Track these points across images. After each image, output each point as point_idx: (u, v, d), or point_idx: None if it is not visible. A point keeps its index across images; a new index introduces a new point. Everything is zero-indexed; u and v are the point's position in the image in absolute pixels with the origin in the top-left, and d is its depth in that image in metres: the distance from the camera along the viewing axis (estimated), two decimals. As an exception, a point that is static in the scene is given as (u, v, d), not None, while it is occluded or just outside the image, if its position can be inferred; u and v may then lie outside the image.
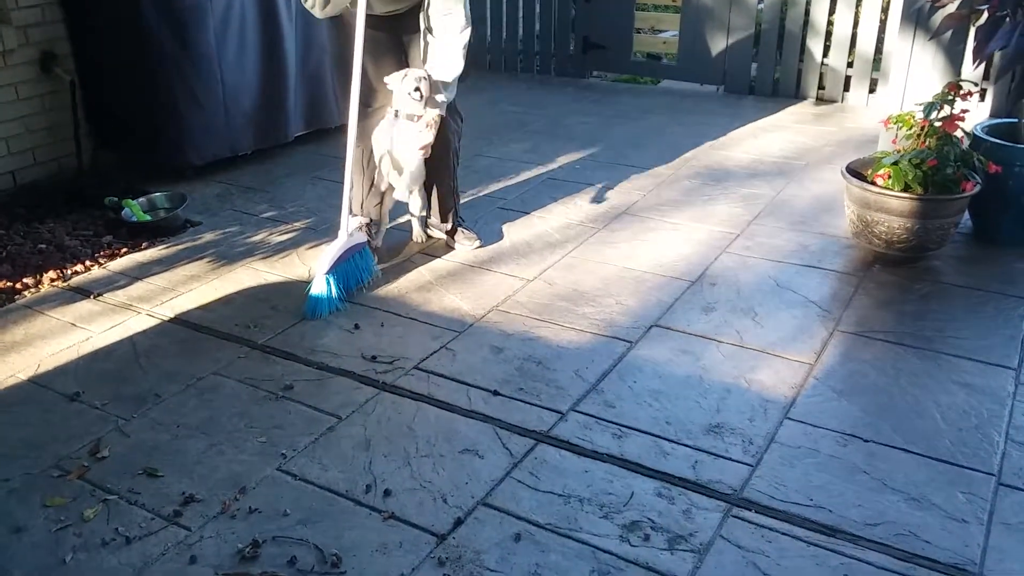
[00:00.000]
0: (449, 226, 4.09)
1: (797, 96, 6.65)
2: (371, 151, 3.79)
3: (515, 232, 4.29)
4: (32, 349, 3.25)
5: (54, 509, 2.45)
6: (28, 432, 2.78)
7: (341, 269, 3.58)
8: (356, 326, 3.43)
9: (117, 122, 4.94)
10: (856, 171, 3.92)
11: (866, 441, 2.72)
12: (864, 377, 3.06)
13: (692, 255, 4.00)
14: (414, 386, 3.04)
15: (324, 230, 4.29)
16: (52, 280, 3.74)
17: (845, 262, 3.92)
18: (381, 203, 3.96)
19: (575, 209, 4.56)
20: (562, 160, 5.35)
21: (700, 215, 4.45)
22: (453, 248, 4.09)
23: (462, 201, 4.30)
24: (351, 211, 3.79)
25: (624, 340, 3.31)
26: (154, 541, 2.34)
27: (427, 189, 4.01)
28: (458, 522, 2.41)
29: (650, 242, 4.15)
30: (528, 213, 4.52)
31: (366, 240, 3.74)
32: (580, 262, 3.95)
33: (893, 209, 3.69)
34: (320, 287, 3.50)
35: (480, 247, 4.08)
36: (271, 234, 4.28)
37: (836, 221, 4.31)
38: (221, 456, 2.67)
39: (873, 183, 3.78)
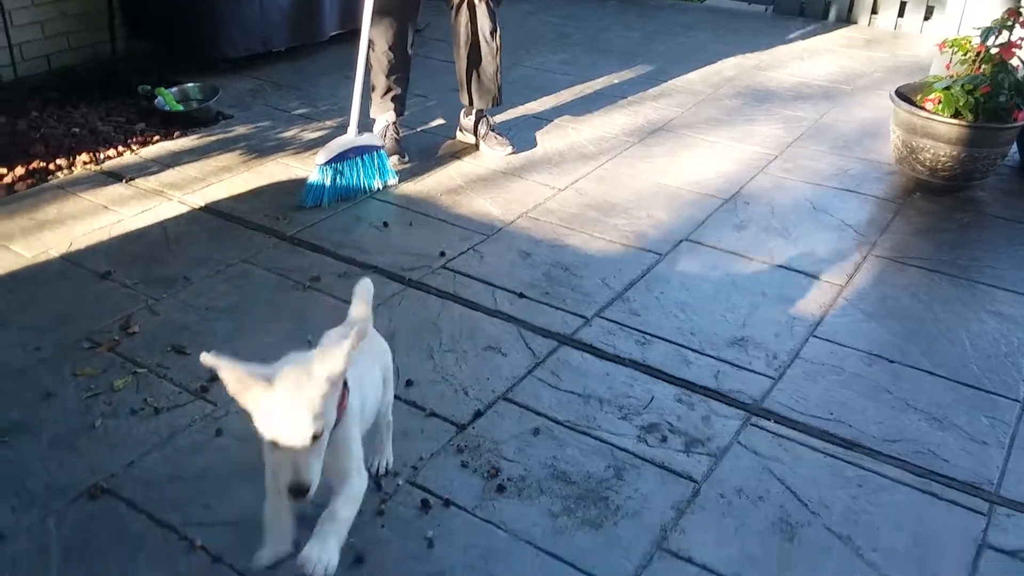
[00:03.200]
0: (483, 131, 4.03)
1: (848, 20, 6.43)
2: (388, 51, 3.73)
3: (548, 142, 4.23)
4: (65, 228, 3.28)
5: (84, 378, 2.50)
6: (60, 306, 2.83)
7: (344, 166, 3.56)
8: (384, 224, 3.42)
9: (151, 11, 4.88)
10: (905, 95, 3.80)
11: (892, 362, 2.70)
12: (896, 301, 3.02)
13: (728, 173, 3.92)
14: (440, 284, 3.04)
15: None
16: (85, 163, 3.76)
17: (886, 188, 3.84)
18: (395, 104, 3.90)
19: (611, 122, 4.48)
20: (600, 73, 5.23)
21: (739, 135, 4.36)
22: (484, 153, 4.04)
23: (496, 117, 4.22)
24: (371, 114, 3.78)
25: (653, 252, 3.28)
26: (181, 413, 2.39)
27: (467, 75, 3.93)
28: (478, 414, 2.43)
29: (686, 159, 4.07)
30: (563, 124, 4.45)
31: (381, 145, 3.70)
32: (613, 174, 3.90)
33: (940, 135, 3.58)
34: (315, 176, 3.50)
35: (512, 153, 4.03)
36: (302, 131, 4.25)
37: (880, 147, 4.20)
38: (248, 340, 2.70)
39: (922, 108, 3.67)
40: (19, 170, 3.61)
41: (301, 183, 3.57)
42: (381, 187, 3.68)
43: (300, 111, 4.50)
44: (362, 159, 3.61)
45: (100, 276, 2.99)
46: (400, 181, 3.74)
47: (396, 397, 2.47)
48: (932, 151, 3.64)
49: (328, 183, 3.51)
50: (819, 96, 4.93)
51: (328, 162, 3.50)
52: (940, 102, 3.60)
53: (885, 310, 2.97)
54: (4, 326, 2.71)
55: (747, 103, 4.81)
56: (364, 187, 3.64)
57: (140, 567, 1.93)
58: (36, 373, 2.51)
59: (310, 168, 3.63)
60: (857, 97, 4.92)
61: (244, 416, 2.09)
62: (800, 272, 3.16)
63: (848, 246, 3.35)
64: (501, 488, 2.18)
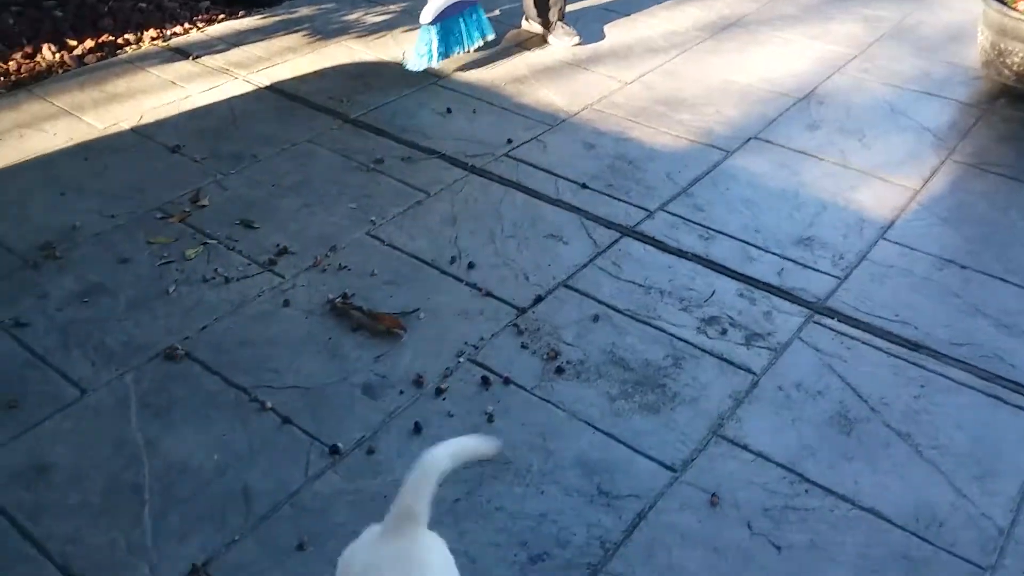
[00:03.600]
0: (553, 17, 3.93)
1: (940, -84, 6.02)
2: None
3: (616, 34, 4.10)
4: (134, 101, 3.32)
5: (158, 246, 2.57)
6: (132, 177, 2.88)
7: (450, 23, 3.55)
8: (448, 110, 3.39)
9: None
10: (998, -7, 3.58)
11: (964, 267, 2.64)
12: (972, 207, 2.93)
13: (802, 72, 3.78)
14: (503, 172, 3.02)
15: (419, 13, 4.16)
16: (152, 38, 3.76)
17: (969, 93, 3.67)
18: None
19: (682, 16, 4.32)
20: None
21: (816, 32, 4.17)
22: (550, 44, 3.95)
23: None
24: None
25: (720, 149, 3.20)
26: (250, 284, 2.45)
27: None
28: (538, 299, 2.45)
29: (759, 55, 3.92)
30: (632, 16, 4.30)
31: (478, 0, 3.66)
32: (682, 69, 3.78)
33: (1033, 36, 3.39)
34: (422, 37, 3.51)
35: (579, 44, 3.92)
36: (366, 14, 4.19)
37: (965, 51, 3.99)
38: (313, 216, 2.74)
39: (1014, 8, 3.46)
40: (88, 43, 3.64)
41: (410, 45, 3.58)
42: (483, 42, 3.69)
43: (364, -6, 4.42)
44: (464, 15, 3.60)
45: (170, 150, 3.03)
46: (464, 69, 3.69)
47: (457, 278, 2.51)
48: (1021, 55, 3.45)
49: (436, 41, 3.52)
50: (904, -5, 4.67)
51: (434, 21, 3.49)
52: (1036, 1, 3.39)
53: (960, 216, 2.88)
54: (81, 193, 2.78)
55: (826, 1, 4.58)
56: (468, 43, 3.65)
57: (214, 423, 2.01)
58: (112, 239, 2.59)
59: (375, 52, 3.59)
60: (944, -3, 4.65)
61: (310, 288, 2.15)
62: (873, 175, 3.07)
63: (926, 150, 3.23)
64: (560, 370, 2.21)
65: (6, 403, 2.02)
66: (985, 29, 3.60)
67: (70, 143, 3.04)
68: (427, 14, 3.48)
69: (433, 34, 3.51)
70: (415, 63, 3.56)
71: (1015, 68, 3.51)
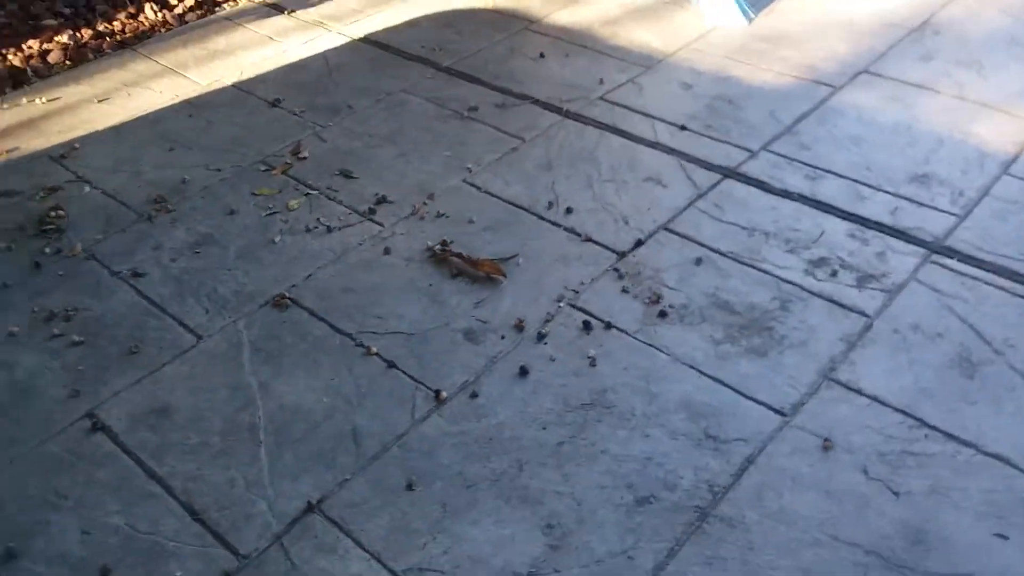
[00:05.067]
0: None
1: None
2: None
3: (713, -31, 3.94)
4: (234, 58, 3.38)
5: (262, 197, 2.63)
6: (235, 131, 2.95)
7: None
8: (541, 55, 3.33)
9: None
10: None
11: (1097, 203, 2.46)
12: (1105, 138, 2.72)
13: (914, 1, 3.56)
14: (598, 115, 2.96)
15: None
16: (249, -5, 3.83)
17: (1101, 15, 3.39)
18: None
19: (783, -53, 4.11)
20: None
21: (929, -43, 3.91)
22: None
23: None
24: None
25: (827, 85, 3.06)
26: (352, 232, 2.48)
27: None
28: (638, 243, 2.41)
29: (867, -16, 3.71)
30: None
31: None
32: (783, 4, 3.61)
33: None
34: None
35: (675, -19, 3.79)
36: (456, -39, 4.13)
37: (1097, -31, 3.68)
38: (410, 165, 2.75)
39: None
40: (189, 1, 3.72)
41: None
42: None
43: (452, -59, 4.36)
44: None
45: (270, 104, 3.09)
46: (556, 12, 3.61)
47: (555, 224, 2.49)
48: None
49: None
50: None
51: None
52: None
53: (1092, 148, 2.68)
54: (188, 147, 2.87)
55: (940, -77, 4.28)
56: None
57: (322, 367, 2.06)
58: (219, 191, 2.66)
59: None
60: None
61: (410, 236, 2.16)
62: (993, 107, 2.88)
63: (1052, 79, 3.01)
64: (663, 314, 2.18)
65: (127, 349, 2.12)
66: (1122, -56, 3.30)
67: (175, 100, 3.13)
68: None
69: None
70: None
71: None
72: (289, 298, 2.25)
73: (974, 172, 2.60)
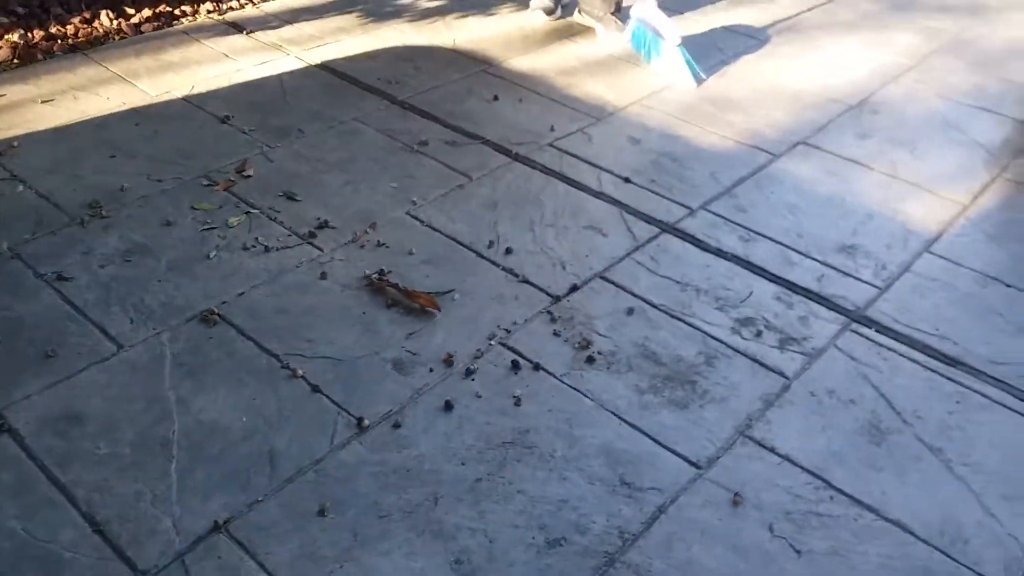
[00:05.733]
0: (601, 13, 3.91)
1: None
2: None
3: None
4: (187, 71, 3.37)
5: (202, 212, 2.61)
6: (181, 143, 2.93)
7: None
8: (495, 97, 3.39)
9: None
10: (1065, 10, 3.49)
11: (1008, 286, 2.58)
12: (1021, 226, 2.86)
13: (856, 80, 3.73)
14: (546, 161, 3.02)
15: (473, 2, 4.18)
16: (208, 11, 3.82)
17: (1026, 111, 3.59)
18: None
19: (736, 17, 4.28)
20: (731, -33, 4.97)
21: (873, 41, 4.11)
22: (600, 36, 3.93)
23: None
24: None
25: (767, 152, 3.17)
26: (290, 254, 2.47)
27: None
28: (574, 288, 2.45)
29: (813, 61, 3.87)
30: (686, 15, 4.27)
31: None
32: (734, 70, 3.75)
33: (1098, 56, 3.30)
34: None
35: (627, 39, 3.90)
36: (421, -1, 4.21)
37: (1025, 68, 3.91)
38: (356, 193, 2.76)
39: (1082, 25, 3.37)
40: (146, 12, 3.71)
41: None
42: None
43: (419, -21, 4.43)
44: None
45: (219, 120, 3.08)
46: (514, 58, 3.69)
47: (494, 263, 2.51)
48: (1086, 75, 3.37)
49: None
50: (964, 9, 4.58)
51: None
52: (1105, 21, 3.30)
53: (1008, 234, 2.82)
54: (130, 156, 2.83)
55: (884, 9, 4.51)
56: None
57: (245, 386, 2.04)
58: (158, 202, 2.63)
59: (427, 36, 3.60)
60: (1006, 13, 4.56)
61: (348, 263, 2.17)
62: (922, 187, 3.02)
63: (977, 166, 3.17)
64: (591, 360, 2.21)
65: (44, 353, 2.07)
66: (1048, 47, 3.51)
67: (123, 107, 3.09)
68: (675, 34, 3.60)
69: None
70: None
71: (1077, 88, 3.42)
72: (218, 314, 2.23)
73: (898, 248, 2.71)
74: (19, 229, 2.47)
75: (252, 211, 2.63)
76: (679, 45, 3.57)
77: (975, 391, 2.21)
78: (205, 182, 2.74)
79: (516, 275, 2.47)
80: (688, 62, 3.59)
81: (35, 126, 2.95)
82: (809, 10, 4.42)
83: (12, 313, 2.18)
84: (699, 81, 3.60)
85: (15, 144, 2.84)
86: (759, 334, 2.34)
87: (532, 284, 2.45)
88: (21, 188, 2.64)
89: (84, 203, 2.59)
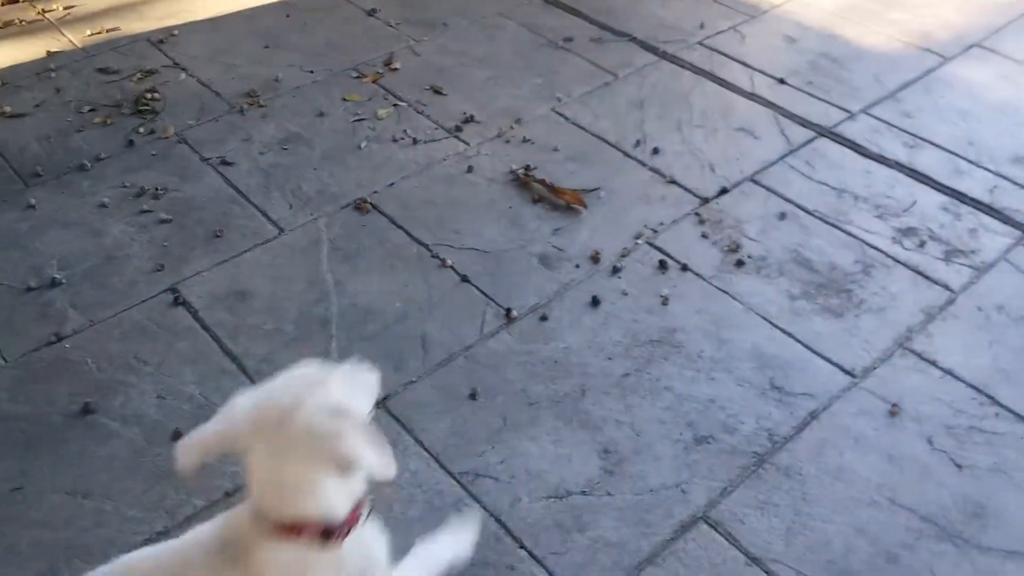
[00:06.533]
0: None
1: None
2: None
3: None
4: (335, -36, 3.37)
5: (352, 104, 2.64)
6: (330, 36, 2.96)
7: None
8: (643, -8, 3.25)
9: None
10: None
11: None
12: None
13: (1042, -24, 3.38)
14: (696, 60, 2.90)
15: None
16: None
17: None
18: None
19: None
20: None
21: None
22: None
23: None
24: None
25: (937, 54, 2.94)
26: (437, 147, 2.49)
27: None
28: (723, 190, 2.37)
29: (992, -45, 3.53)
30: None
31: None
32: (902, -35, 3.46)
33: None
34: None
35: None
36: None
37: None
38: (500, 88, 2.73)
39: None
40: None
41: None
42: None
43: None
44: None
45: (367, 13, 3.08)
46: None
47: (641, 162, 2.46)
48: None
49: None
50: None
51: None
52: None
53: None
54: (282, 47, 2.89)
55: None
56: None
57: (397, 273, 2.09)
58: (310, 93, 2.68)
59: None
60: None
61: (494, 157, 2.15)
62: (1114, 95, 2.75)
63: None
64: (740, 263, 2.15)
65: (212, 232, 2.17)
66: None
67: (274, 0, 3.14)
68: None
69: None
70: None
71: None
72: (370, 203, 2.28)
73: (1083, 159, 2.49)
74: (184, 115, 2.57)
75: (400, 104, 2.64)
76: None
77: None
78: (354, 74, 2.77)
79: (663, 175, 2.41)
80: None
81: (192, 15, 3.04)
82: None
83: (182, 194, 2.29)
84: None
85: (175, 33, 2.94)
86: (922, 245, 2.21)
87: (680, 185, 2.39)
88: (183, 76, 2.73)
89: (242, 92, 2.67)
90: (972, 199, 2.36)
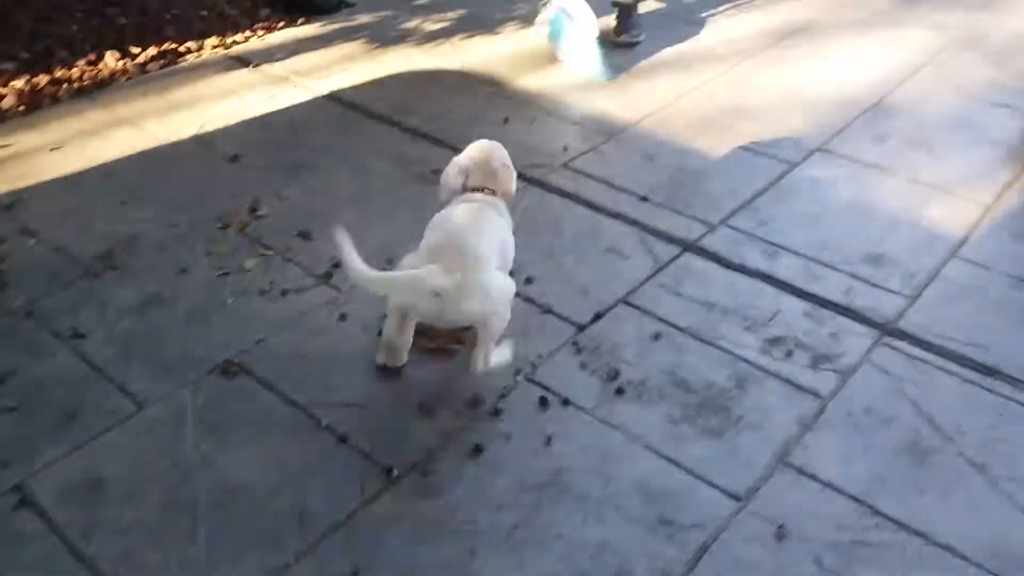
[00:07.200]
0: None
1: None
2: None
3: (677, 41, 4.02)
4: (195, 110, 3.34)
5: (216, 257, 2.57)
6: (193, 185, 2.90)
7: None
8: (506, 119, 3.35)
9: None
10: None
11: (1043, 289, 2.52)
12: (1050, 224, 2.80)
13: (869, 81, 3.66)
14: (562, 183, 2.98)
15: (478, 22, 4.14)
16: (214, 46, 3.80)
17: (1046, 103, 3.52)
18: None
19: (744, 22, 4.22)
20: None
21: (885, 40, 4.05)
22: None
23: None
24: None
25: (785, 161, 3.11)
26: (308, 296, 2.44)
27: None
28: (597, 316, 2.40)
29: (824, 63, 3.81)
30: (692, 23, 4.22)
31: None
32: (745, 77, 3.69)
33: (1119, 44, 3.23)
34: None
35: (637, 42, 3.86)
36: (424, 22, 4.17)
37: (1041, 58, 3.83)
38: (371, 227, 2.72)
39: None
40: (151, 50, 3.69)
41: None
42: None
43: (422, 1, 4.41)
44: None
45: (230, 158, 3.05)
46: (523, 77, 3.65)
47: (515, 294, 2.46)
48: (1106, 63, 3.29)
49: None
50: (976, 3, 4.51)
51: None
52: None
53: (1038, 234, 2.75)
54: (142, 201, 2.81)
55: (895, 6, 4.44)
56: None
57: (270, 440, 2.00)
58: (172, 248, 2.60)
59: (434, 59, 3.57)
60: (1015, 3, 4.48)
61: (367, 304, 2.11)
62: (944, 189, 2.96)
63: (997, 164, 3.10)
64: (620, 391, 2.16)
65: (64, 416, 2.04)
66: (1065, 36, 3.44)
67: (132, 151, 3.07)
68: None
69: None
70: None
71: (1097, 77, 3.35)
72: (238, 364, 2.19)
73: (925, 254, 2.65)
74: (33, 285, 2.44)
75: (267, 253, 2.59)
76: (596, 39, 3.59)
77: (1015, 401, 2.15)
78: (219, 224, 2.71)
79: (539, 305, 2.43)
80: (600, 57, 3.59)
81: (44, 175, 2.93)
82: (819, 10, 4.36)
83: (31, 376, 2.15)
84: (610, 77, 3.59)
85: (24, 196, 2.82)
86: (790, 354, 2.28)
87: (555, 314, 2.40)
88: (33, 242, 2.61)
89: (98, 254, 2.56)
90: (831, 302, 2.46)
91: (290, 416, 2.06)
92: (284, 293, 2.44)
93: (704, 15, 4.29)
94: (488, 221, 2.11)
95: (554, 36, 3.72)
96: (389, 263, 2.56)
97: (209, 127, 3.23)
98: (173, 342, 2.26)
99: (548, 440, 2.02)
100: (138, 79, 3.56)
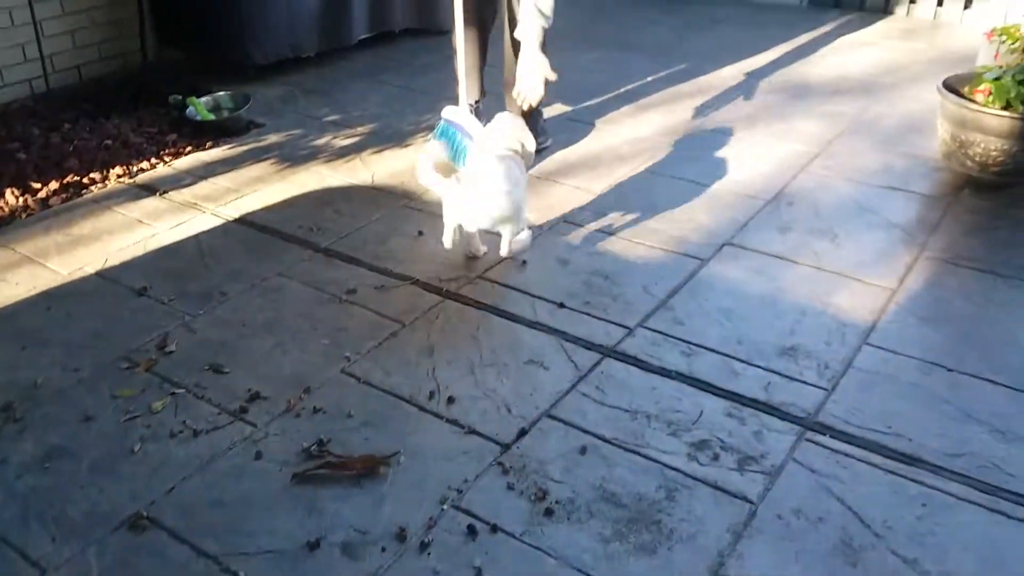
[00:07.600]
0: None
1: (886, 11, 6.27)
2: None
3: (583, 144, 4.15)
4: (100, 243, 3.26)
5: (123, 400, 2.47)
6: (97, 324, 2.80)
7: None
8: (420, 232, 3.36)
9: (180, 17, 4.86)
10: (953, 87, 3.67)
11: (950, 370, 2.60)
12: (949, 304, 2.91)
13: (769, 173, 3.82)
14: (478, 295, 2.98)
15: (388, 135, 4.20)
16: (118, 176, 3.74)
17: (933, 185, 3.71)
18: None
19: (645, 122, 4.39)
20: (631, 71, 5.13)
21: (778, 132, 4.25)
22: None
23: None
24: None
25: (695, 257, 3.19)
26: (221, 435, 2.34)
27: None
28: (522, 432, 2.37)
29: (723, 158, 3.97)
30: (596, 125, 4.37)
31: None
32: (651, 176, 3.81)
33: (991, 128, 3.46)
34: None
35: (545, 147, 3.95)
36: (334, 138, 4.21)
37: (925, 142, 4.07)
38: (286, 356, 2.66)
39: (972, 100, 3.54)
40: (53, 184, 3.61)
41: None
42: None
43: (331, 118, 4.45)
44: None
45: (136, 292, 2.96)
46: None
47: (437, 415, 2.43)
48: (983, 145, 3.52)
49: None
50: (859, 91, 4.80)
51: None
52: (991, 93, 3.47)
53: (939, 314, 2.86)
54: (43, 345, 2.69)
55: (784, 99, 4.69)
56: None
57: (184, 599, 1.89)
58: (75, 395, 2.49)
59: (344, 176, 3.57)
60: (899, 91, 4.79)
61: (284, 437, 2.04)
62: (848, 276, 3.06)
63: (897, 247, 3.24)
64: (549, 512, 2.11)
65: (-42, 591, 1.89)
66: (944, 122, 3.67)
67: (32, 292, 2.96)
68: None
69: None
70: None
71: (977, 158, 3.57)
72: (147, 517, 2.08)
73: (837, 343, 2.72)
74: (-77, 447, 2.29)
75: (177, 391, 2.50)
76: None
77: (938, 490, 2.18)
78: (125, 364, 2.61)
79: (462, 426, 2.39)
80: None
81: (-63, 324, 2.80)
82: (713, 109, 4.56)
83: (-82, 550, 2.00)
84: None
85: (-84, 348, 2.68)
86: (716, 457, 2.28)
87: (479, 434, 2.36)
88: (-76, 398, 2.47)
89: (-5, 406, 2.43)
90: (751, 399, 2.49)
91: (204, 570, 1.95)
92: (196, 434, 2.34)
93: (607, 116, 4.44)
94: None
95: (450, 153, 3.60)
96: (306, 392, 2.50)
97: (114, 260, 3.15)
98: (77, 498, 2.13)
99: (478, 573, 1.95)
100: (40, 215, 3.47)
